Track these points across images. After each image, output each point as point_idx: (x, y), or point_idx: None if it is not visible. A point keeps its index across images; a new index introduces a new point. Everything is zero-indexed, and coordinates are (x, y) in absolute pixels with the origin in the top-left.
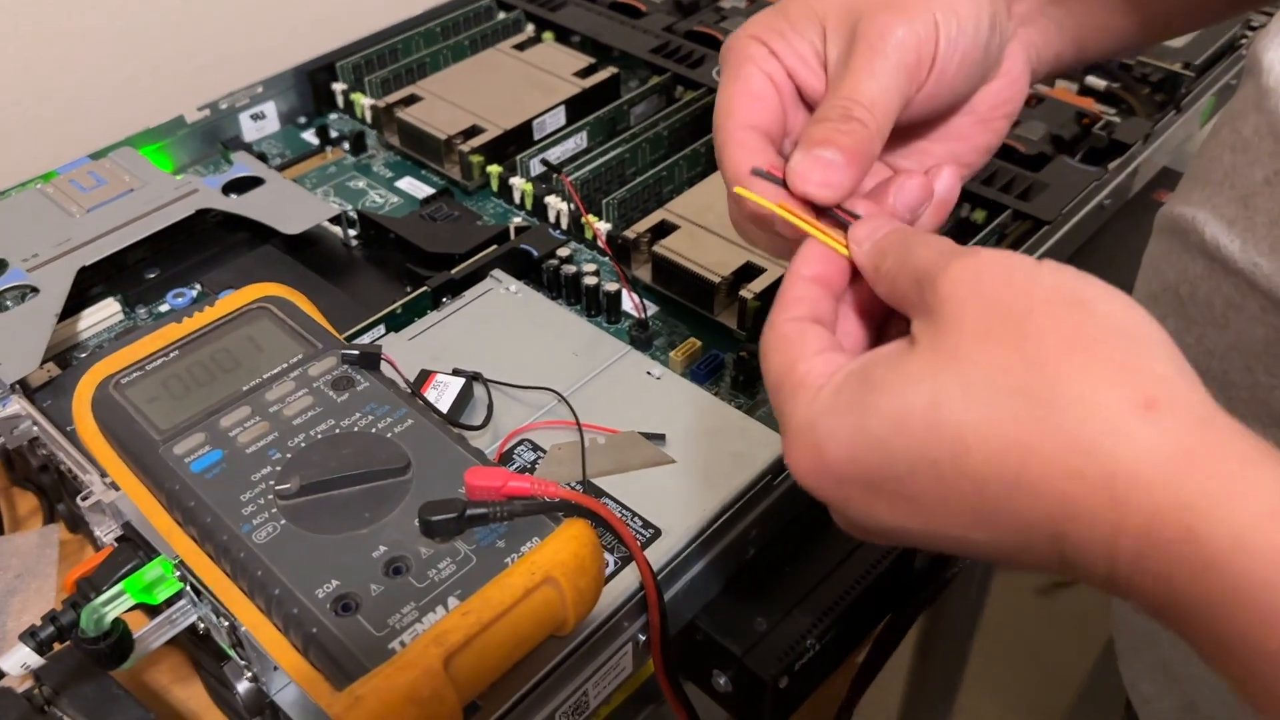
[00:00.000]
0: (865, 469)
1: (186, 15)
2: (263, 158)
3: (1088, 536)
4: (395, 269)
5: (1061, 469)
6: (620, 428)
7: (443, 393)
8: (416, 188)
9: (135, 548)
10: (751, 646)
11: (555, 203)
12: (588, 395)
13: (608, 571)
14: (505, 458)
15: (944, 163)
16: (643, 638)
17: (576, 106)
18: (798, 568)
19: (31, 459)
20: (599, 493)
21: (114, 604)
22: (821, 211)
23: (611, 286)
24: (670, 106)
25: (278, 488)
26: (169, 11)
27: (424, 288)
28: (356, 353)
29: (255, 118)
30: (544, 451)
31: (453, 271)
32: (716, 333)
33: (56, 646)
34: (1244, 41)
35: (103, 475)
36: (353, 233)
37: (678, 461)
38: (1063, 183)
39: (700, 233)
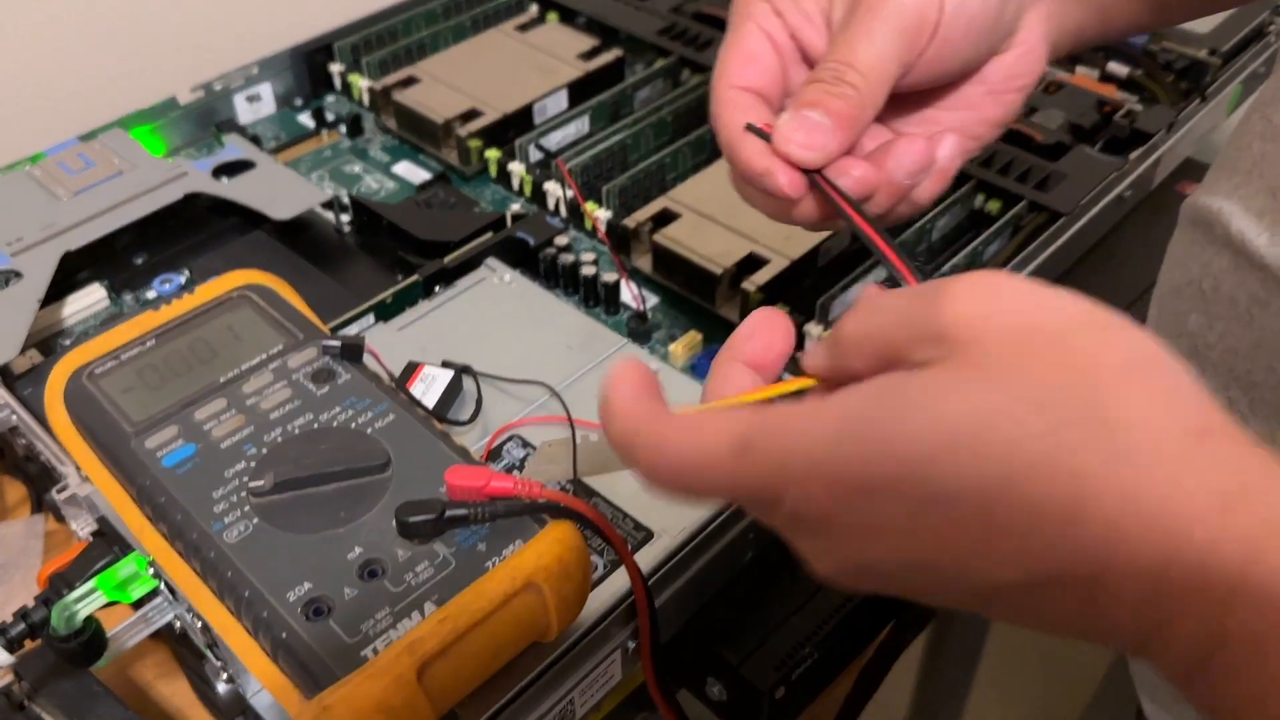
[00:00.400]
0: (907, 486)
1: None
2: (257, 140)
3: (1131, 569)
4: (388, 256)
5: (1118, 498)
6: None
7: (430, 385)
8: (413, 172)
9: (110, 543)
10: (748, 655)
11: (555, 189)
12: (581, 390)
13: (596, 575)
14: (493, 454)
15: (950, 130)
16: (632, 645)
17: (579, 90)
18: (796, 572)
19: (15, 448)
20: (590, 492)
21: (86, 601)
22: (810, 176)
23: (610, 277)
24: (676, 90)
25: (251, 484)
26: None
27: (415, 276)
28: (338, 344)
29: (250, 99)
30: (533, 448)
31: (445, 260)
32: (718, 326)
33: (29, 644)
34: (1272, 28)
35: (77, 468)
36: (345, 218)
37: None
38: (1082, 173)
39: (703, 222)
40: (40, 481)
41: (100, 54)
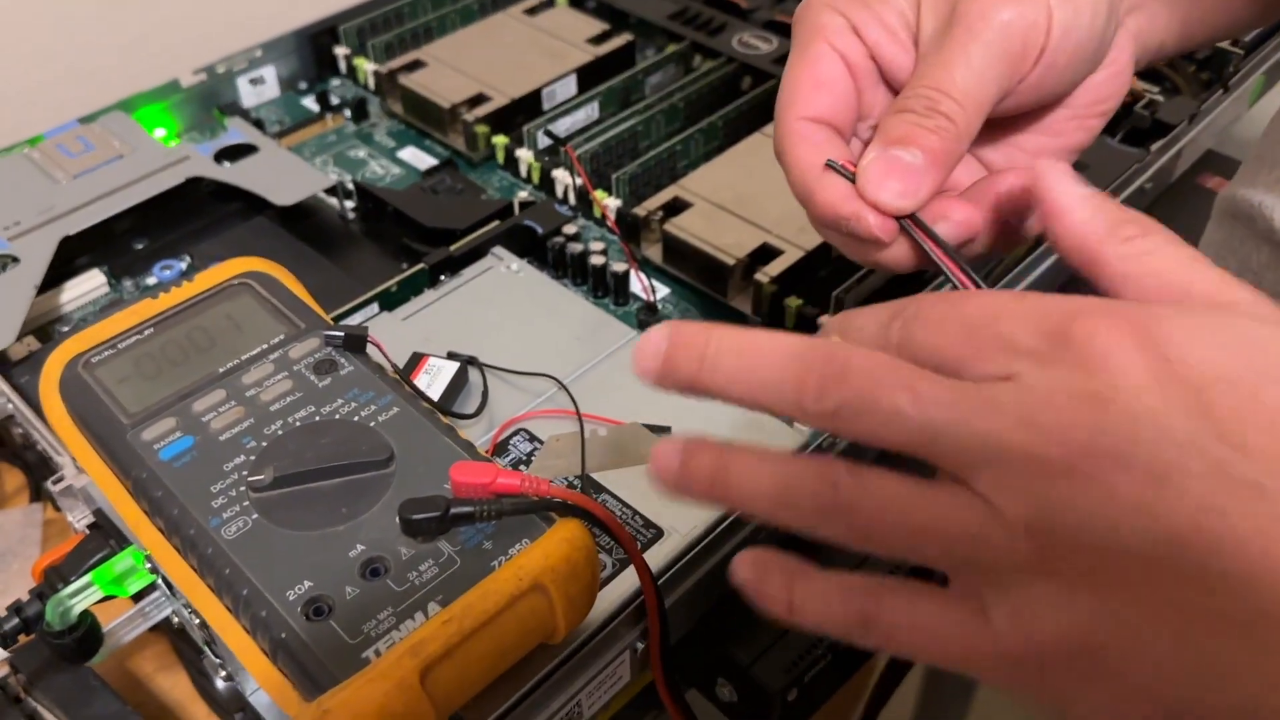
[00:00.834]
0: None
1: None
2: (260, 124)
3: None
4: (393, 244)
5: None
6: (623, 418)
7: (435, 377)
8: (419, 158)
9: (106, 536)
10: (759, 655)
11: (563, 177)
12: (590, 382)
13: (605, 574)
14: (499, 449)
15: (1044, 157)
16: (641, 645)
17: (589, 75)
18: None
19: (13, 436)
20: (598, 489)
21: (81, 596)
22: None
23: (620, 267)
24: (688, 76)
25: (251, 479)
26: None
27: (420, 265)
28: (341, 334)
29: (254, 82)
30: (541, 442)
31: (451, 248)
32: (730, 318)
33: (22, 639)
34: None
35: (73, 458)
36: (350, 205)
37: None
38: (1101, 164)
39: (715, 211)
40: (38, 470)
41: (101, 34)
